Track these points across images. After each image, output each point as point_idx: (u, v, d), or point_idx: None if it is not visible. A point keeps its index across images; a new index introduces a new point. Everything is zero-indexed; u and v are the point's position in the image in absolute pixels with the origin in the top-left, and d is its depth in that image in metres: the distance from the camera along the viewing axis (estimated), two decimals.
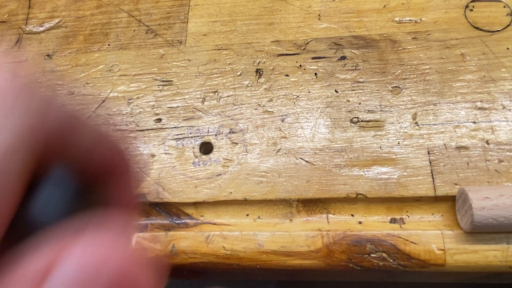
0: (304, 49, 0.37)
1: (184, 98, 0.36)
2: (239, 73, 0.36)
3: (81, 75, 0.39)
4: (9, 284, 0.13)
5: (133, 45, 0.39)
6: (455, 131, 0.32)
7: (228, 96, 0.36)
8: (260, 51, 0.37)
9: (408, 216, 0.31)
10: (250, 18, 0.39)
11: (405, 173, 0.31)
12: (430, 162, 0.31)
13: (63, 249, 0.14)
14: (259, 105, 0.35)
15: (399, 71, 0.35)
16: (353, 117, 0.34)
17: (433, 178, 0.31)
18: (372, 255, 0.30)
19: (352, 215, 0.31)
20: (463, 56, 0.34)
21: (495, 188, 0.28)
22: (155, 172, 0.33)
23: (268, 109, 0.35)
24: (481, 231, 0.28)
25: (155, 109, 0.36)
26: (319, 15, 0.38)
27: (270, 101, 0.35)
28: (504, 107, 0.32)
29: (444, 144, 0.32)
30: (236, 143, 0.34)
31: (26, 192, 0.14)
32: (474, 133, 0.32)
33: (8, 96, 0.13)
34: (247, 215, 0.32)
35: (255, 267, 0.31)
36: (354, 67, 0.35)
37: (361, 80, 0.35)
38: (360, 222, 0.31)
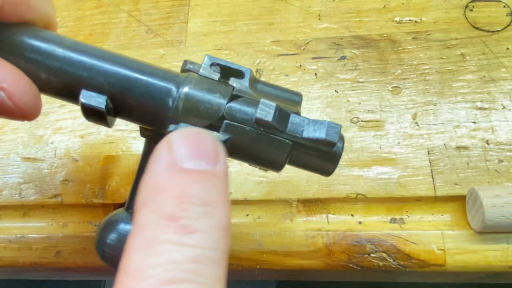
0: (304, 49, 0.37)
1: None
2: None
3: None
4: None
5: (133, 45, 0.39)
6: (455, 131, 0.32)
7: None
8: (260, 51, 0.37)
9: (408, 216, 0.31)
10: (250, 18, 0.39)
11: (405, 173, 0.31)
12: (430, 162, 0.31)
13: None
14: None
15: (399, 71, 0.35)
16: (353, 117, 0.34)
17: (433, 178, 0.31)
18: (372, 255, 0.30)
19: (352, 215, 0.31)
20: (463, 56, 0.34)
21: (505, 186, 0.29)
22: None
23: None
24: (493, 231, 0.28)
25: None
26: (319, 15, 0.38)
27: None
28: (504, 107, 0.32)
29: (444, 144, 0.32)
30: None
31: None
32: (474, 133, 0.32)
33: None
34: (247, 215, 0.32)
35: (255, 267, 0.31)
36: (354, 67, 0.35)
37: (361, 80, 0.35)
38: (360, 222, 0.31)
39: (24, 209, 0.35)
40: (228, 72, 0.23)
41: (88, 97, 0.21)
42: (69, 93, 0.22)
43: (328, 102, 0.34)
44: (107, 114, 0.21)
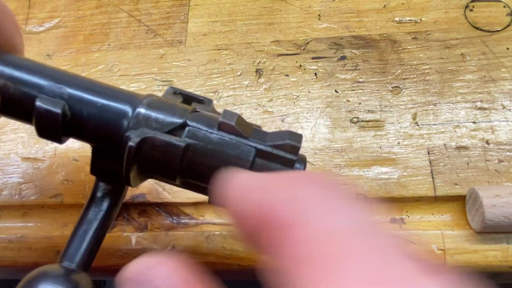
0: (304, 49, 0.37)
1: None
2: (239, 73, 0.36)
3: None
4: None
5: (133, 45, 0.39)
6: (455, 131, 0.32)
7: (228, 96, 0.36)
8: (260, 51, 0.37)
9: (408, 216, 0.31)
10: (250, 18, 0.39)
11: (405, 173, 0.31)
12: (430, 162, 0.31)
13: None
14: (259, 105, 0.35)
15: (399, 71, 0.35)
16: (353, 117, 0.34)
17: (433, 178, 0.31)
18: None
19: None
20: (463, 56, 0.34)
21: (505, 186, 0.29)
22: None
23: (268, 109, 0.35)
24: (493, 231, 0.28)
25: None
26: (319, 15, 0.38)
27: (270, 101, 0.35)
28: (504, 107, 0.32)
29: (444, 144, 0.32)
30: None
31: None
32: (474, 133, 0.32)
33: None
34: None
35: (255, 267, 0.31)
36: (354, 67, 0.35)
37: (361, 80, 0.35)
38: None
39: (24, 209, 0.35)
40: (190, 99, 0.23)
41: (46, 100, 0.21)
42: (24, 104, 0.21)
43: (328, 102, 0.34)
44: (62, 120, 0.21)
